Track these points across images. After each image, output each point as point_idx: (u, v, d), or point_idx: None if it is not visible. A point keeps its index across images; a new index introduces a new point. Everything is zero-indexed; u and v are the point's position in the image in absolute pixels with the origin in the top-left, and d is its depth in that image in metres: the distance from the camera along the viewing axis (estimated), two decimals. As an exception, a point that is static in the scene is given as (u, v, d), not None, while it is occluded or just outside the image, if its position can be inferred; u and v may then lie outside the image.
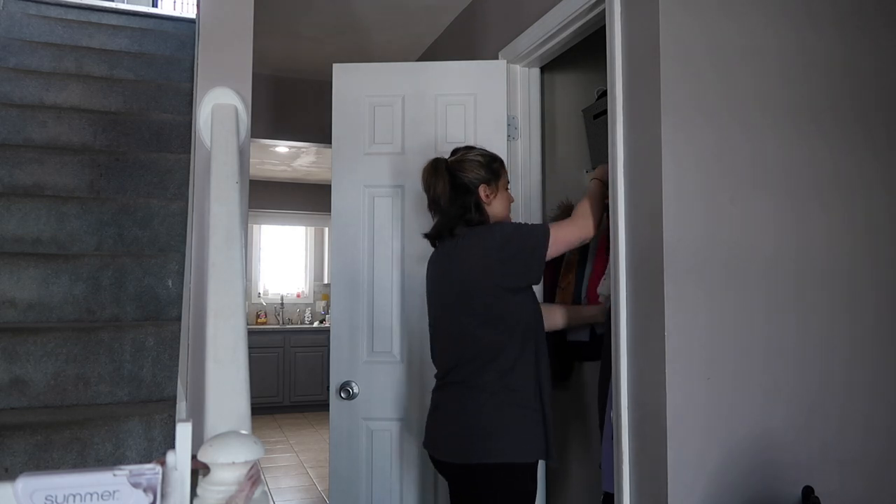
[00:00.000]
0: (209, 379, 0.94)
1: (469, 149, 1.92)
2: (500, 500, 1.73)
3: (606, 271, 2.13)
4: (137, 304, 1.91)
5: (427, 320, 2.04)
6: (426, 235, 1.95)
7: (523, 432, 1.75)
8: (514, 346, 1.77)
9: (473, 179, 1.85)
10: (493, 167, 1.89)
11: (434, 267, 1.95)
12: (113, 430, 1.51)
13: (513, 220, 2.07)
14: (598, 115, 2.35)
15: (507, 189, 1.94)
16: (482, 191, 1.85)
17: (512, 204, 2.00)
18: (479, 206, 1.85)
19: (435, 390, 1.92)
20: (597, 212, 1.92)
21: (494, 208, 1.88)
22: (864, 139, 1.93)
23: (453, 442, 1.77)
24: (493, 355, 1.76)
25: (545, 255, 1.80)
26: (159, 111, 2.70)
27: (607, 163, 1.93)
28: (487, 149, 1.98)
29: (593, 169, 2.58)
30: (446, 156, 1.96)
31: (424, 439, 1.91)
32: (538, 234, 1.81)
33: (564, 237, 1.85)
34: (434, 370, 1.96)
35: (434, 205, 1.89)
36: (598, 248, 2.23)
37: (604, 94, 2.30)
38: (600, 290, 2.15)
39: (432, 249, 2.00)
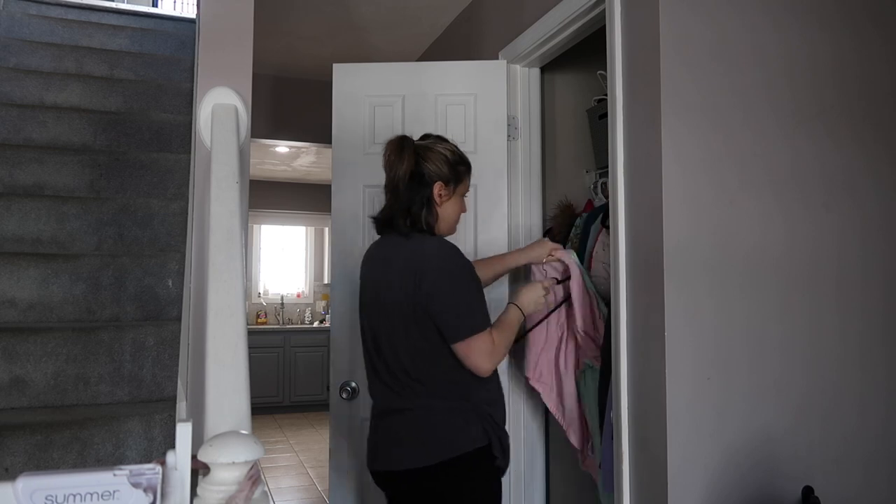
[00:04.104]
0: (209, 379, 0.94)
1: (441, 140, 1.80)
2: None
3: (592, 272, 2.16)
4: (137, 304, 1.91)
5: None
6: (374, 218, 1.82)
7: (466, 427, 1.66)
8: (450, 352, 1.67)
9: (433, 173, 1.72)
10: (457, 169, 1.76)
11: (377, 264, 1.80)
12: (113, 430, 1.51)
13: (464, 228, 1.97)
14: (602, 116, 2.35)
15: (463, 197, 1.82)
16: (437, 188, 1.72)
17: (464, 213, 1.87)
18: (429, 203, 1.73)
19: (387, 410, 1.73)
20: (508, 346, 1.75)
21: (445, 211, 1.76)
22: (857, 141, 1.93)
23: (416, 447, 1.65)
24: (442, 364, 1.67)
25: (464, 336, 1.63)
26: (159, 111, 2.70)
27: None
28: (487, 149, 1.96)
29: (598, 169, 2.58)
30: None
31: (373, 458, 1.74)
32: (475, 322, 1.64)
33: (481, 346, 1.63)
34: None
35: (391, 187, 1.75)
36: (592, 249, 2.23)
37: (601, 101, 2.30)
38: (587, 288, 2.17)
39: None
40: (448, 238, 1.80)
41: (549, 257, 2.08)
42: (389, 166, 1.74)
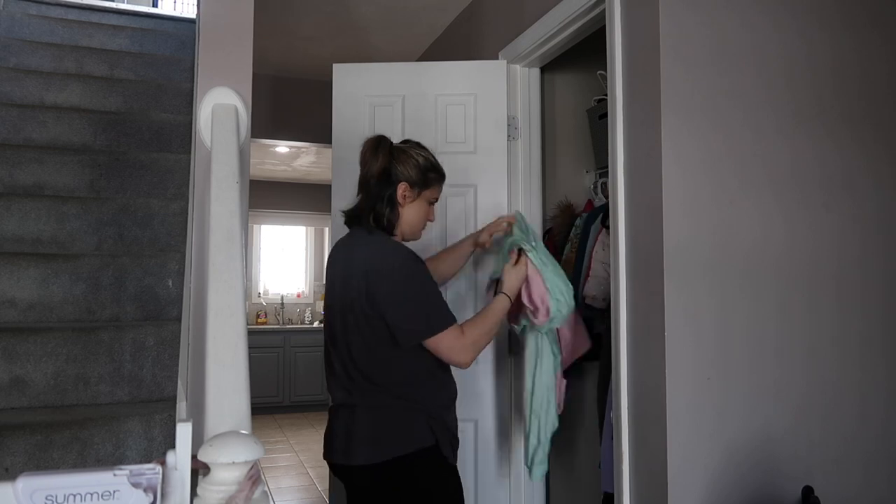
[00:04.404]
0: (209, 379, 0.94)
1: (419, 146, 1.83)
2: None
3: (591, 272, 2.16)
4: (137, 303, 1.91)
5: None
6: (343, 211, 1.84)
7: (413, 426, 1.68)
8: (405, 351, 1.68)
9: (400, 173, 1.75)
10: (427, 175, 1.79)
11: (338, 259, 1.82)
12: (113, 430, 1.51)
13: (432, 236, 1.96)
14: (602, 116, 2.35)
15: (430, 205, 1.83)
16: (402, 188, 1.75)
17: (431, 222, 1.87)
18: (392, 202, 1.75)
19: (340, 405, 1.76)
20: (487, 335, 1.77)
21: (406, 213, 1.78)
22: (857, 141, 1.93)
23: (370, 444, 1.67)
24: (391, 364, 1.69)
25: (420, 339, 1.65)
26: (159, 111, 2.70)
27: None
28: (487, 149, 1.96)
29: (598, 169, 2.58)
30: (446, 156, 1.93)
31: (329, 450, 1.76)
32: (432, 322, 1.65)
33: (447, 344, 1.65)
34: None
35: (363, 183, 1.79)
36: (592, 249, 2.24)
37: (601, 101, 2.30)
38: (585, 290, 2.17)
39: (432, 247, 1.98)
40: (423, 242, 1.82)
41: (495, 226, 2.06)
42: (364, 163, 1.79)
